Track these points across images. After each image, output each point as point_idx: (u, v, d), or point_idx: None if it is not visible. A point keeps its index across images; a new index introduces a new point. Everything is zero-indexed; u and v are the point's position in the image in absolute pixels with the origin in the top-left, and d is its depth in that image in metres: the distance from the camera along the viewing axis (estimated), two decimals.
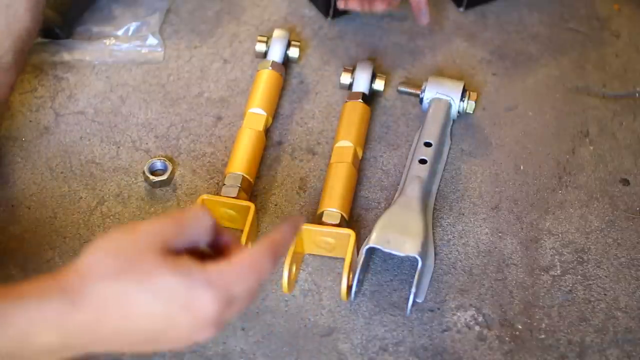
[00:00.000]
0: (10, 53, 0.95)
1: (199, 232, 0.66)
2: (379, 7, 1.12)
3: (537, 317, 0.93)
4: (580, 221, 1.02)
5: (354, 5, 1.13)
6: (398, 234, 0.92)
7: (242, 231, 0.95)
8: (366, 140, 1.08)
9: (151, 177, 1.02)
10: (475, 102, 1.07)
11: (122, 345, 0.64)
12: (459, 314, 0.93)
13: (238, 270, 0.64)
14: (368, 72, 1.11)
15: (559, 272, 0.97)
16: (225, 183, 1.00)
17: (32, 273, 0.94)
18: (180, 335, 0.64)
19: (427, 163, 1.01)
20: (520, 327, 0.93)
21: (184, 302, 0.62)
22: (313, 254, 0.97)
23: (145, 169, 1.02)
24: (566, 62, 1.19)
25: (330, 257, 0.97)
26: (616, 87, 1.16)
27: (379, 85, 1.11)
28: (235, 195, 0.98)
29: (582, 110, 1.13)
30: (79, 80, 1.13)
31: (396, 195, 1.01)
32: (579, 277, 0.97)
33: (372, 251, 0.95)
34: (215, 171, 1.05)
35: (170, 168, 1.03)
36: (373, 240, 0.92)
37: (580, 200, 1.04)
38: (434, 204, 1.02)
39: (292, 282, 0.94)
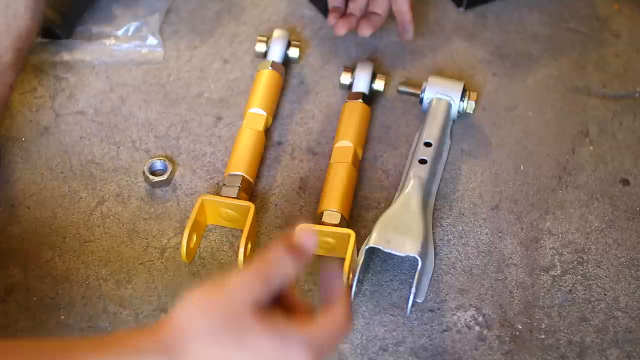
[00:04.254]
0: (10, 52, 0.95)
1: (284, 280, 0.66)
2: (366, 32, 1.11)
3: (537, 317, 0.93)
4: (580, 221, 1.02)
5: (340, 31, 1.11)
6: (398, 234, 0.92)
7: (242, 231, 0.95)
8: (366, 140, 1.08)
9: (151, 177, 1.02)
10: (475, 102, 1.07)
11: None
12: (459, 314, 0.93)
13: (329, 330, 0.66)
14: (368, 72, 1.11)
15: (559, 272, 0.97)
16: (225, 183, 1.00)
17: (32, 273, 0.94)
18: None
19: (427, 163, 1.01)
20: (520, 327, 0.93)
21: None
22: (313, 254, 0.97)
23: (145, 169, 1.02)
24: (566, 62, 1.19)
25: (330, 257, 0.97)
26: (616, 87, 1.16)
27: (379, 85, 1.11)
28: (235, 195, 0.98)
29: (582, 110, 1.13)
30: (79, 80, 1.13)
31: (396, 195, 1.01)
32: (579, 277, 0.97)
33: (372, 251, 0.95)
34: (215, 171, 1.05)
35: (170, 168, 1.03)
36: (373, 240, 0.92)
37: (580, 200, 1.04)
38: (434, 204, 1.02)
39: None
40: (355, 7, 1.12)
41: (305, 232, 0.67)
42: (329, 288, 0.69)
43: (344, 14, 1.13)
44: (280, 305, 0.67)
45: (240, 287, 0.64)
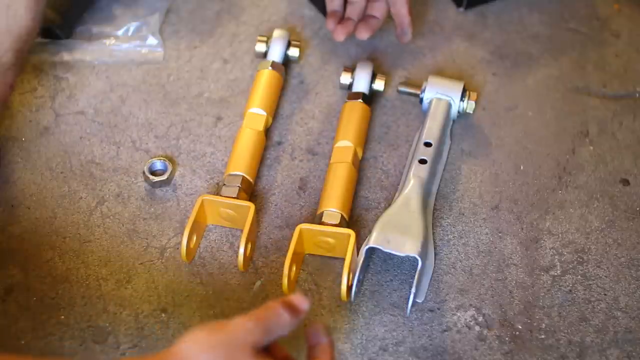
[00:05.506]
0: (10, 53, 0.95)
1: (281, 333, 0.71)
2: (364, 35, 1.12)
3: (537, 317, 0.93)
4: (580, 221, 1.02)
5: (339, 37, 1.12)
6: (398, 234, 0.92)
7: (242, 231, 0.95)
8: (366, 140, 1.08)
9: (151, 177, 1.02)
10: (475, 102, 1.07)
11: None
12: (459, 314, 0.93)
13: None
14: (368, 72, 1.11)
15: (559, 272, 0.97)
16: (225, 183, 1.00)
17: (32, 273, 0.94)
18: None
19: (427, 163, 1.01)
20: (520, 327, 0.93)
21: None
22: (313, 254, 0.97)
23: (145, 169, 1.02)
24: (566, 62, 1.19)
25: (330, 257, 0.97)
26: (616, 87, 1.16)
27: (379, 85, 1.11)
28: (235, 195, 0.98)
29: (582, 110, 1.13)
30: (79, 80, 1.13)
31: (396, 195, 1.01)
32: (579, 277, 0.97)
33: (372, 251, 0.95)
34: (215, 171, 1.05)
35: (170, 168, 1.03)
36: (373, 240, 0.92)
37: (580, 200, 1.04)
38: (434, 204, 1.02)
39: (292, 282, 0.94)
40: (353, 11, 1.12)
41: (299, 296, 0.73)
42: (314, 344, 0.74)
43: (342, 17, 1.13)
44: (271, 354, 0.71)
45: (242, 328, 0.69)
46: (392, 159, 1.07)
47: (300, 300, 0.73)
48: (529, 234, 1.00)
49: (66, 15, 1.15)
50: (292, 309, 0.72)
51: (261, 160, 1.05)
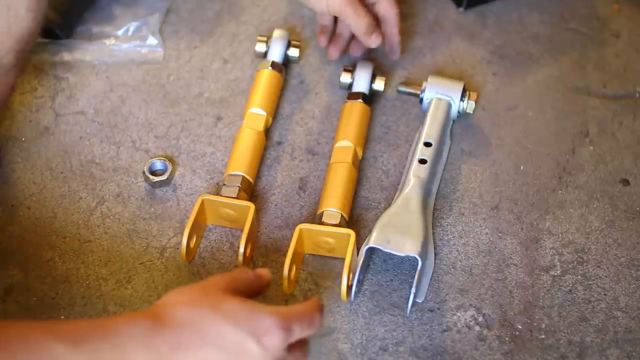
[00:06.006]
0: (12, 54, 0.95)
1: (246, 284, 0.80)
2: (357, 53, 1.14)
3: (537, 317, 0.93)
4: (580, 221, 1.02)
5: (333, 56, 1.14)
6: (398, 234, 0.92)
7: (242, 231, 0.95)
8: (366, 140, 1.08)
9: (151, 177, 1.02)
10: (475, 102, 1.07)
11: None
12: (459, 314, 0.93)
13: (294, 309, 0.77)
14: (368, 72, 1.11)
15: (559, 272, 0.97)
16: (225, 183, 1.00)
17: (32, 273, 0.94)
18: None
19: (427, 163, 1.01)
20: (520, 327, 0.93)
21: (251, 325, 0.73)
22: (313, 254, 0.97)
23: (145, 169, 1.02)
24: (566, 62, 1.19)
25: (330, 257, 0.97)
26: (616, 87, 1.16)
27: (379, 85, 1.11)
28: (235, 195, 0.98)
29: (582, 110, 1.13)
30: (79, 80, 1.13)
31: (396, 195, 1.01)
32: (579, 277, 0.97)
33: (372, 251, 0.95)
34: (215, 171, 1.05)
35: (170, 168, 1.03)
36: (373, 240, 0.92)
37: (580, 200, 1.04)
38: (434, 204, 1.02)
39: (292, 282, 0.94)
40: (345, 28, 1.13)
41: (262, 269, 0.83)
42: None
43: (333, 31, 1.15)
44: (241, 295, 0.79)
45: (213, 278, 0.79)
46: (392, 159, 1.07)
47: (263, 270, 0.82)
48: (529, 234, 1.00)
49: (66, 15, 1.15)
50: (255, 273, 0.81)
51: (261, 160, 1.05)
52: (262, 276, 0.81)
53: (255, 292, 0.80)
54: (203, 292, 0.76)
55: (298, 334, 0.75)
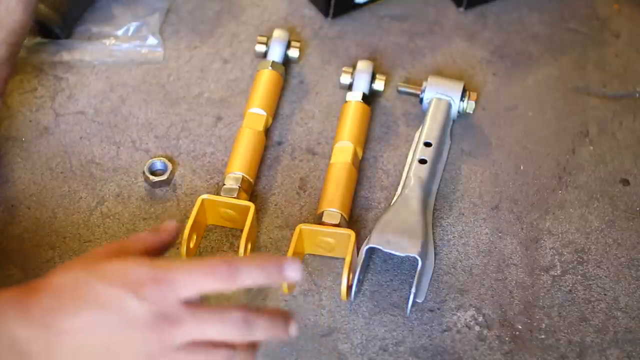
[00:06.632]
0: (4, 46, 0.94)
1: (140, 246, 0.74)
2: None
3: (537, 317, 0.93)
4: (580, 221, 1.02)
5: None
6: (398, 234, 0.92)
7: (242, 231, 0.95)
8: (366, 140, 1.08)
9: (151, 177, 1.02)
10: (475, 102, 1.07)
11: (79, 330, 0.69)
12: (459, 314, 0.93)
13: (179, 262, 0.70)
14: (368, 72, 1.11)
15: (559, 272, 0.97)
16: (225, 183, 1.00)
17: (32, 273, 0.94)
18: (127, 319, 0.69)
19: (427, 163, 1.01)
20: (520, 327, 0.93)
21: (125, 280, 0.68)
22: (313, 254, 0.97)
23: (145, 169, 1.02)
24: (566, 62, 1.19)
25: (330, 257, 0.97)
26: (616, 87, 1.16)
27: (379, 85, 1.11)
28: (235, 195, 0.98)
29: (582, 110, 1.13)
30: (79, 80, 1.13)
31: (396, 195, 1.01)
32: (579, 277, 0.97)
33: (372, 251, 0.95)
34: (215, 171, 1.05)
35: (170, 168, 1.03)
36: (373, 240, 0.92)
37: (580, 200, 1.04)
38: (434, 204, 1.02)
39: (292, 283, 0.94)
40: None
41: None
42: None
43: None
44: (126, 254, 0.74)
45: (97, 247, 0.78)
46: (392, 159, 1.07)
47: (164, 223, 0.76)
48: (529, 234, 1.00)
49: (66, 15, 1.15)
50: (152, 228, 0.78)
51: (261, 160, 1.05)
52: (162, 229, 0.76)
53: (161, 248, 0.76)
54: (82, 259, 0.73)
55: (182, 285, 0.69)
